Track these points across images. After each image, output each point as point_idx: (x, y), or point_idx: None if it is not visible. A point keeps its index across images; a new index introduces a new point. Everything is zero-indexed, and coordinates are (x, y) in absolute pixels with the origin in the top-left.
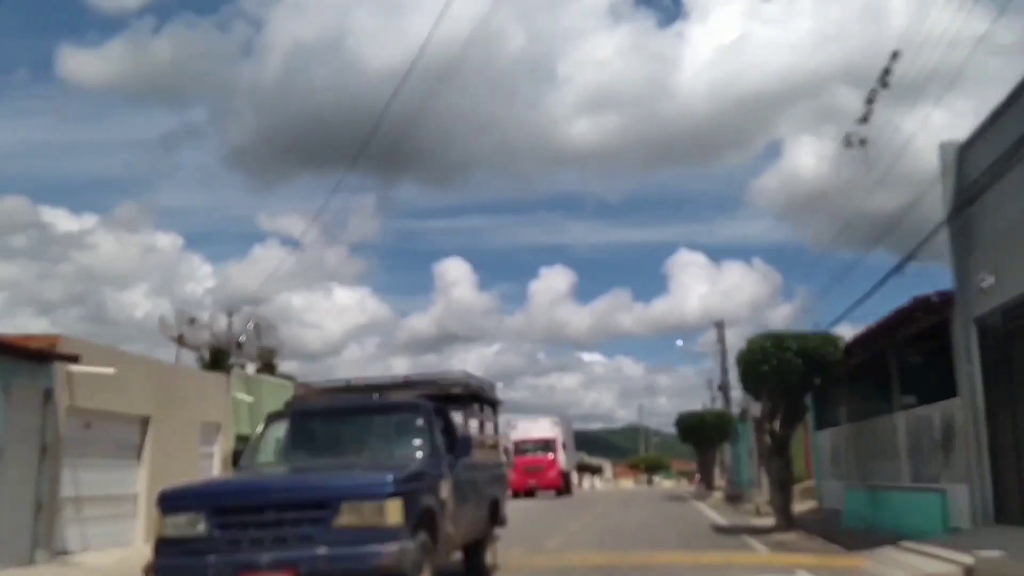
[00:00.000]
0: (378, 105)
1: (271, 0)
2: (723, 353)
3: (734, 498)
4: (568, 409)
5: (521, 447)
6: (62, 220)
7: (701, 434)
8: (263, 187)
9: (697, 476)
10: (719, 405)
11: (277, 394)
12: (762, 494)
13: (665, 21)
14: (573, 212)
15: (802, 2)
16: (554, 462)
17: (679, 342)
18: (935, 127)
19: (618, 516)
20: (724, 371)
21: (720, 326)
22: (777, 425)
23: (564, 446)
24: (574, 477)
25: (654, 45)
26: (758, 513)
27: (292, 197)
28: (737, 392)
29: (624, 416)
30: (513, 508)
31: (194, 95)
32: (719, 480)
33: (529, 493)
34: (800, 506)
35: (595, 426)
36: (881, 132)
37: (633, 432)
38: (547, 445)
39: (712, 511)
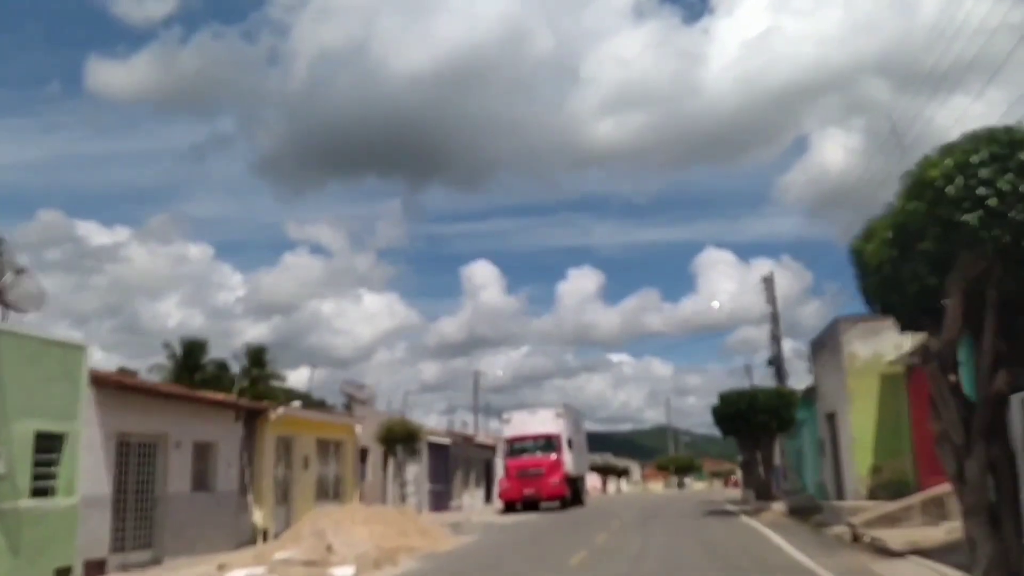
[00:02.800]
0: (404, 110)
1: (297, 6)
2: (775, 314)
3: (804, 512)
4: (596, 411)
5: (516, 446)
6: (95, 233)
7: (750, 422)
8: (292, 195)
9: (733, 478)
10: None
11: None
12: (854, 508)
13: (691, 17)
14: (599, 212)
15: None
16: (557, 464)
17: (715, 304)
18: (971, 117)
19: (635, 547)
20: (776, 340)
21: (770, 282)
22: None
23: (571, 444)
24: (588, 482)
25: (680, 42)
26: (868, 545)
27: (321, 204)
28: (799, 365)
29: (653, 417)
30: (488, 528)
31: (222, 104)
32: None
33: (530, 505)
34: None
35: (624, 427)
36: (913, 123)
37: (662, 433)
38: (548, 443)
39: (790, 543)
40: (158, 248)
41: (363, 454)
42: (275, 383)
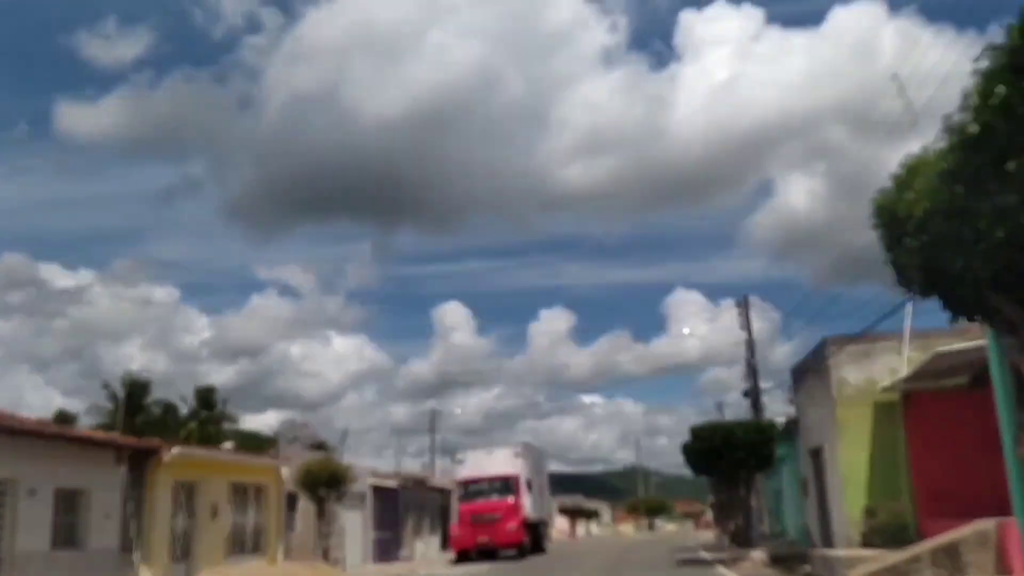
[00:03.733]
0: (375, 153)
1: (269, 49)
2: (750, 341)
3: (788, 561)
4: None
5: (471, 489)
6: (59, 276)
7: (726, 459)
8: (262, 238)
9: (705, 518)
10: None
11: None
12: (850, 559)
13: (658, 64)
14: (570, 254)
15: (793, 40)
16: (515, 508)
17: (686, 331)
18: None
19: None
20: (752, 370)
21: (745, 304)
22: None
23: (530, 486)
24: (556, 525)
25: (647, 88)
26: None
27: (291, 247)
28: (776, 399)
29: (624, 457)
30: None
31: (192, 147)
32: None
33: (487, 553)
34: None
35: (596, 468)
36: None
37: (634, 474)
38: (506, 485)
39: None
40: (122, 291)
41: (292, 500)
42: (228, 425)
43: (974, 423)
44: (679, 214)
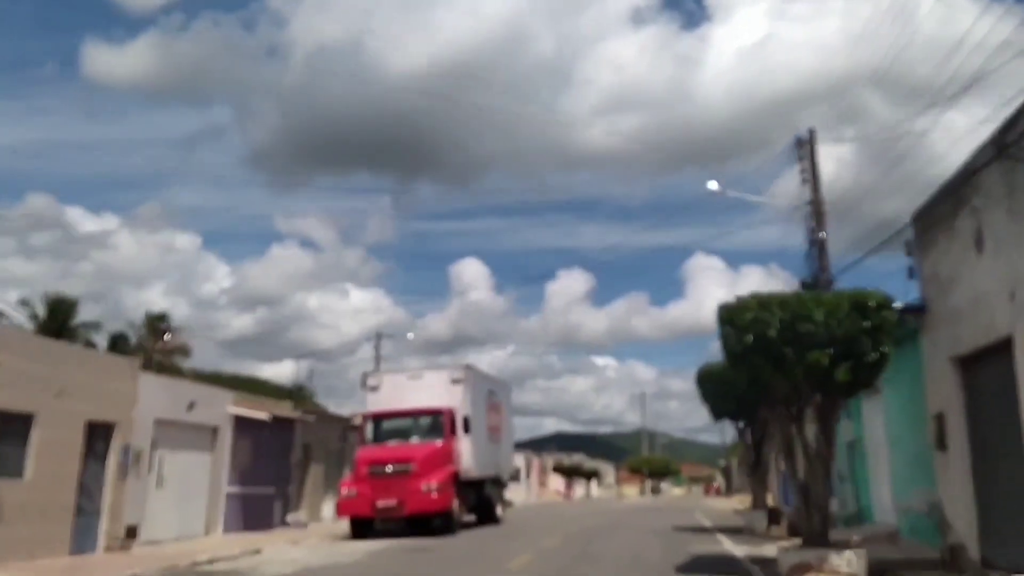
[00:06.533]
0: (397, 107)
1: None
2: (814, 173)
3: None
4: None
5: (382, 429)
6: (83, 220)
7: (790, 365)
8: (283, 187)
9: (716, 484)
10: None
11: None
12: None
13: (690, 24)
14: (587, 215)
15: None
16: (438, 457)
17: (713, 184)
18: (957, 131)
19: None
20: (817, 216)
21: (810, 138)
22: None
23: (468, 426)
24: (551, 485)
25: (677, 47)
26: None
27: (311, 198)
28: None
29: (634, 421)
30: None
31: (217, 94)
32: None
33: (416, 525)
34: None
35: (605, 429)
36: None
37: (641, 435)
38: (433, 424)
39: None
40: (145, 236)
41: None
42: (180, 360)
43: None
44: (701, 177)
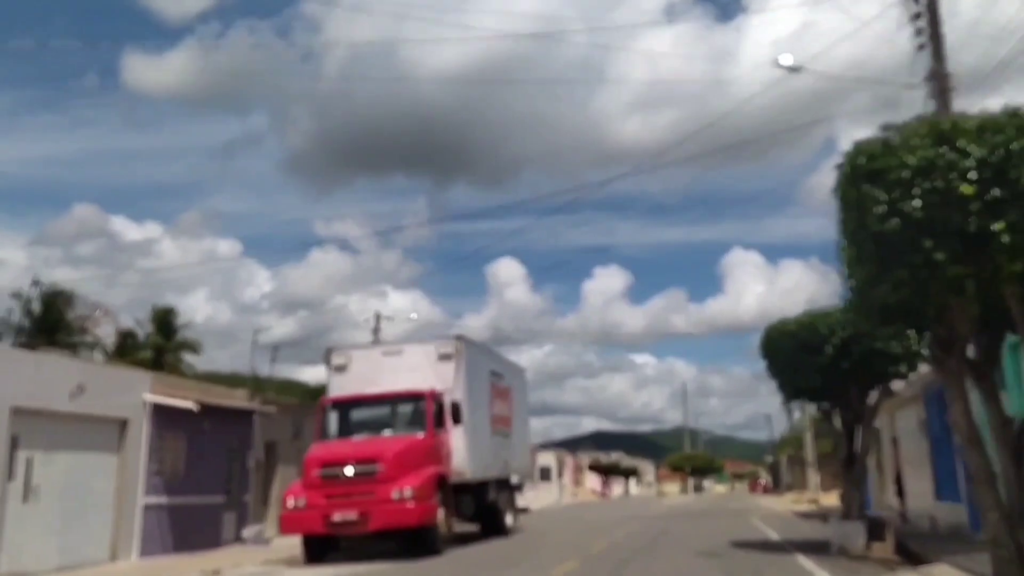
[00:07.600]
0: (432, 109)
1: (330, 1)
2: (937, 41)
3: None
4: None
5: (351, 419)
6: (128, 228)
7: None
8: (320, 192)
9: (763, 481)
10: None
11: None
12: None
13: (724, 16)
14: (625, 212)
15: None
16: (413, 455)
17: (785, 57)
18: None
19: None
20: (942, 96)
21: None
22: None
23: (456, 414)
24: (549, 489)
25: (712, 40)
26: None
27: (348, 201)
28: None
29: (674, 418)
30: None
31: (254, 101)
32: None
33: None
34: None
35: (644, 428)
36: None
37: (682, 432)
38: (414, 412)
39: None
40: (188, 244)
41: None
42: (189, 356)
43: None
44: (738, 172)
